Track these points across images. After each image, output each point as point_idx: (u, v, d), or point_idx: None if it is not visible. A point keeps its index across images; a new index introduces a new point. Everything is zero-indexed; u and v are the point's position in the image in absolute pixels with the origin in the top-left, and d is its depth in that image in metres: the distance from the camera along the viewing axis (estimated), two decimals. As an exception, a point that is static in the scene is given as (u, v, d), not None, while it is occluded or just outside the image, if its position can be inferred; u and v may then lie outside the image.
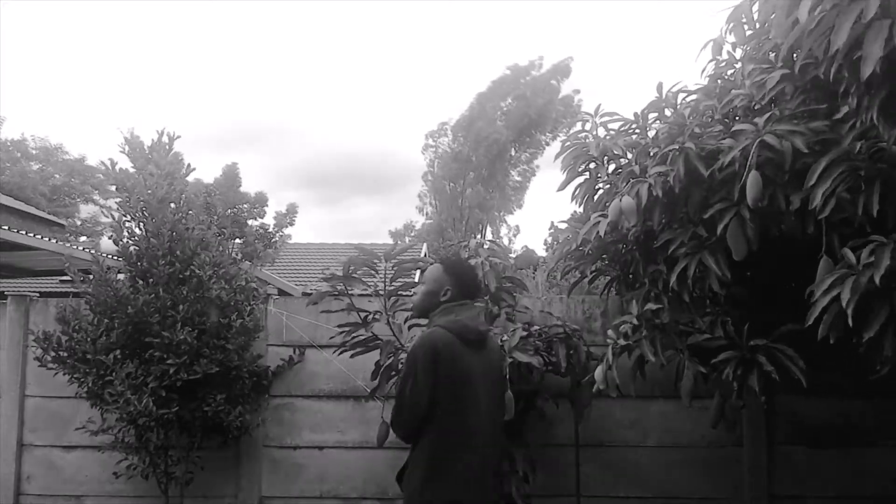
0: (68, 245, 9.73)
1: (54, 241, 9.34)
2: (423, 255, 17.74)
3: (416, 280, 3.06)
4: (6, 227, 8.07)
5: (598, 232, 2.99)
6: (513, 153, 30.33)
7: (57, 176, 26.54)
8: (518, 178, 31.01)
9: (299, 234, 49.35)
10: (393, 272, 3.53)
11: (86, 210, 26.57)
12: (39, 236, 8.84)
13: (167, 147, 4.09)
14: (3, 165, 23.97)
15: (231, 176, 17.47)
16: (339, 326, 3.75)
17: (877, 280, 2.09)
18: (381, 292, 3.57)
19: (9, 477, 4.29)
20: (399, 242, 19.22)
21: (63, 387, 4.01)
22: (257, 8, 59.14)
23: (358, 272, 3.63)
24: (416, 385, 2.44)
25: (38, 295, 4.51)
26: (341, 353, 3.75)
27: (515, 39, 51.99)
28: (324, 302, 3.89)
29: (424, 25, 52.94)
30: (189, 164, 4.21)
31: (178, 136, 4.16)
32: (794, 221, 2.53)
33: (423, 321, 2.74)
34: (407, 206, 60.01)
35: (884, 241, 2.16)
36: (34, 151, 26.69)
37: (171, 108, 48.53)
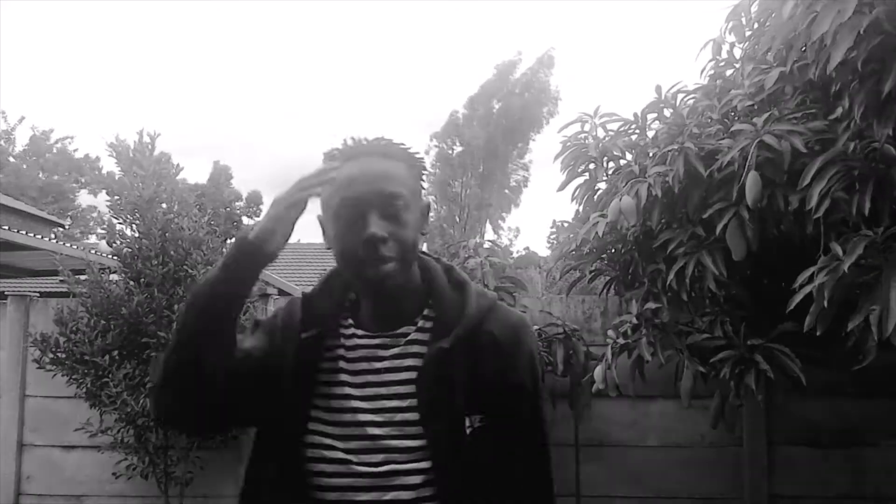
0: (68, 245, 9.73)
1: (54, 240, 9.34)
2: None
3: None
4: (6, 227, 8.07)
5: (596, 232, 2.98)
6: (507, 151, 30.29)
7: (55, 177, 26.56)
8: (515, 177, 31.02)
9: (302, 234, 49.36)
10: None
11: (81, 201, 26.62)
12: (39, 236, 8.83)
13: (150, 147, 4.12)
14: (2, 161, 23.98)
15: (218, 174, 17.48)
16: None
17: (845, 268, 2.11)
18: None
19: (9, 477, 4.30)
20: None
21: (63, 387, 4.01)
22: (258, 8, 59.19)
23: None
24: None
25: (38, 295, 4.52)
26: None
27: (514, 39, 52.06)
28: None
29: (429, 25, 52.94)
30: (178, 164, 4.26)
31: (159, 135, 4.20)
32: (793, 222, 2.52)
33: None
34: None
35: (868, 234, 2.18)
36: (30, 146, 26.70)
37: (168, 108, 48.56)
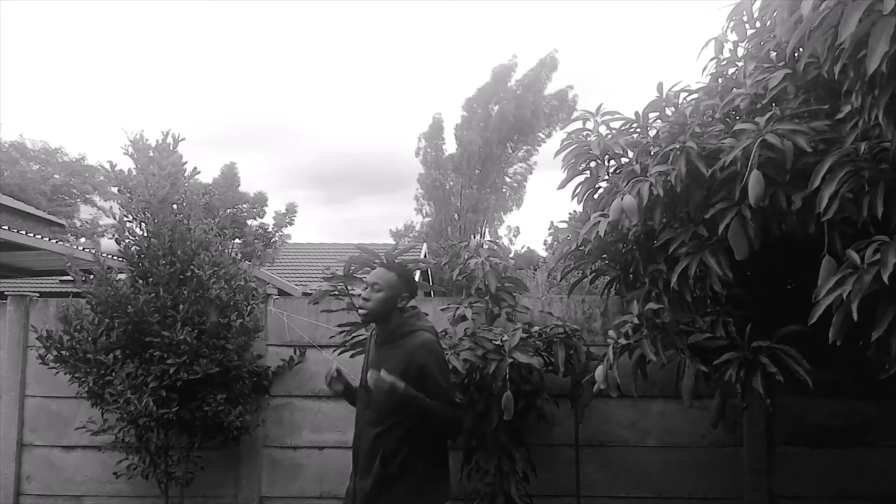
0: (69, 245, 9.72)
1: (54, 241, 9.33)
2: (423, 255, 17.73)
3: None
4: (6, 227, 8.06)
5: (598, 232, 2.98)
6: (509, 151, 30.21)
7: (57, 176, 26.49)
8: (514, 178, 30.90)
9: (305, 234, 49.35)
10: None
11: (86, 211, 26.47)
12: (39, 236, 8.83)
13: (171, 148, 4.09)
14: (2, 167, 23.90)
15: (229, 175, 17.49)
16: (339, 326, 3.76)
17: (885, 278, 2.04)
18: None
19: (9, 477, 4.29)
20: (400, 243, 19.25)
21: (63, 387, 4.01)
22: (261, 7, 59.11)
23: (359, 272, 3.63)
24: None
25: (38, 295, 4.51)
26: (341, 352, 3.75)
27: (511, 37, 52.04)
28: (324, 301, 3.90)
29: (430, 23, 52.90)
30: (195, 168, 4.19)
31: (183, 139, 4.14)
32: (796, 221, 2.52)
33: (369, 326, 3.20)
34: (410, 206, 59.96)
35: (887, 240, 2.15)
36: (33, 152, 26.64)
37: (173, 107, 48.52)
